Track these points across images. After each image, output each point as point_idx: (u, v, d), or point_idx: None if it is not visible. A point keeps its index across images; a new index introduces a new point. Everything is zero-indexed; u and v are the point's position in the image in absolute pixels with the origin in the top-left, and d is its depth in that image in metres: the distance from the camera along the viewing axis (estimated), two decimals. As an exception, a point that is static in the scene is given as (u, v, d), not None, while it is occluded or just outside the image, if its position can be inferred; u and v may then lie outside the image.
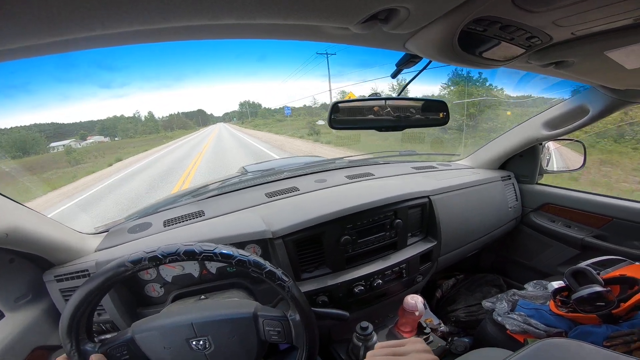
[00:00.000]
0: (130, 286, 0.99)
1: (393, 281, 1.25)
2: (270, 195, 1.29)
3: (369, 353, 0.62)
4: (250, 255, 0.70)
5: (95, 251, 1.01)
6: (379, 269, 1.19)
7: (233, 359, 0.73)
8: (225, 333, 0.71)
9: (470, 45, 0.60)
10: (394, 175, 1.55)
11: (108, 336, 0.74)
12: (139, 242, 1.03)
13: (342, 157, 1.78)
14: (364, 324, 1.13)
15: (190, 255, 0.65)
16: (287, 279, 0.72)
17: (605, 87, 1.10)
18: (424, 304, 1.30)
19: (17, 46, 0.36)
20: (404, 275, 1.27)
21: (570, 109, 1.33)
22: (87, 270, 0.92)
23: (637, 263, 1.14)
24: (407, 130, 0.98)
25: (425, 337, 1.31)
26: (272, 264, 0.72)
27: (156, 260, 0.63)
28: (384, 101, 0.90)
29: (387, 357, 0.59)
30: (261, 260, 0.70)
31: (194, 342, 0.69)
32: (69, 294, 0.92)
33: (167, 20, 0.38)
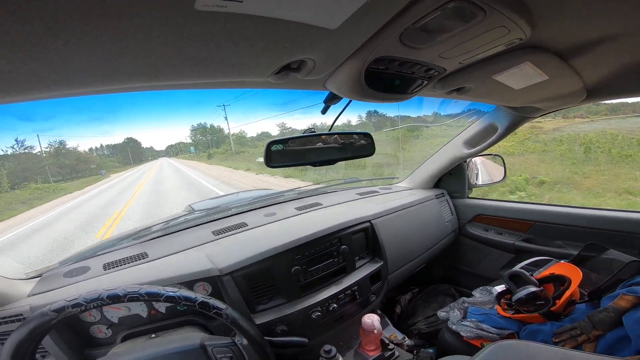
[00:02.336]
0: (74, 329, 0.93)
1: (348, 304, 1.29)
2: (217, 232, 1.29)
3: None
4: (179, 290, 0.70)
5: (29, 296, 0.94)
6: (333, 293, 1.23)
7: None
8: None
9: (376, 83, 0.68)
10: (341, 203, 1.62)
11: None
12: (77, 286, 0.98)
13: (292, 189, 1.83)
14: (327, 347, 1.14)
15: (114, 298, 0.65)
16: (222, 306, 0.72)
17: (505, 106, 1.26)
18: (384, 321, 1.34)
19: None
20: (357, 297, 1.32)
21: (483, 127, 1.50)
22: (22, 314, 0.86)
23: (562, 261, 1.25)
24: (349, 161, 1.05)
25: (390, 352, 1.34)
26: (205, 296, 0.72)
27: (79, 306, 0.63)
28: (315, 137, 0.96)
29: None
30: (191, 294, 0.71)
31: None
32: (3, 340, 0.85)
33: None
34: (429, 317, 1.73)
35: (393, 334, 1.49)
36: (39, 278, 1.06)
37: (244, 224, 1.36)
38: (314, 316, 1.17)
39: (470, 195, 1.90)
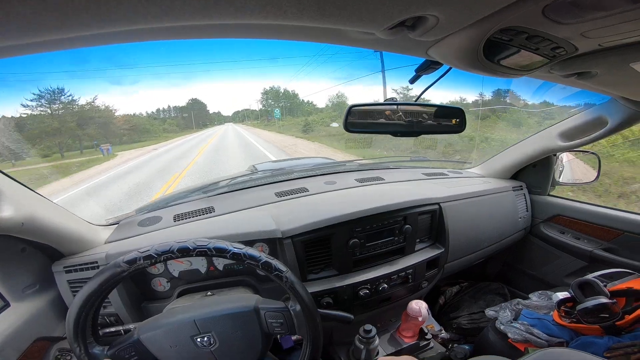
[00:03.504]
0: (137, 280, 1.00)
1: (398, 286, 1.25)
2: (279, 194, 1.29)
3: None
4: (245, 248, 0.70)
5: (105, 243, 1.02)
6: (385, 273, 1.19)
7: (238, 354, 0.74)
8: (228, 328, 0.72)
9: (494, 54, 0.59)
10: (405, 181, 1.55)
11: (112, 329, 0.75)
12: (149, 235, 1.03)
13: (353, 160, 1.78)
14: (368, 327, 1.13)
15: (184, 252, 0.65)
16: (284, 269, 0.72)
17: (626, 98, 1.08)
18: (427, 310, 1.30)
19: (15, 43, 0.37)
20: (410, 281, 1.27)
21: (588, 120, 1.31)
22: (97, 262, 0.92)
23: None
24: (420, 136, 0.97)
25: (426, 342, 1.31)
26: (268, 256, 0.71)
27: (150, 259, 0.64)
28: (399, 106, 0.89)
29: None
30: (256, 252, 0.70)
31: (198, 339, 0.70)
32: (76, 285, 0.93)
33: (193, 18, 0.38)
34: (473, 314, 1.67)
35: (431, 324, 1.45)
36: (117, 225, 1.14)
37: (305, 189, 1.34)
38: (361, 293, 1.15)
39: (551, 193, 1.70)
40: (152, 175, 8.99)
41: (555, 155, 1.59)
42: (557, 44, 0.57)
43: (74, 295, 0.93)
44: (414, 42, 0.57)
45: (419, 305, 1.25)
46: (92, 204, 6.25)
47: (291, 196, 1.29)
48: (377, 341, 1.15)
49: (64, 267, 0.92)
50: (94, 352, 0.67)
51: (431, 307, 1.63)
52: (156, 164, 11.51)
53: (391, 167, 1.77)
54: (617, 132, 1.26)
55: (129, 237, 1.03)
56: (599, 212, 1.47)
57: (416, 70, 0.80)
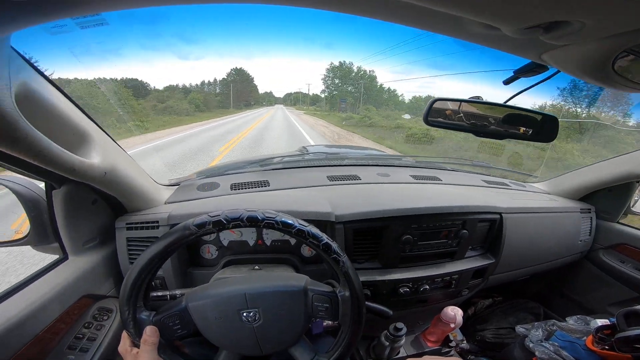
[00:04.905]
0: (189, 245, 1.00)
1: (439, 289, 1.22)
2: (332, 178, 1.28)
3: None
4: (309, 226, 0.68)
5: (165, 203, 1.04)
6: (430, 274, 1.15)
7: (279, 333, 0.72)
8: (275, 305, 0.70)
9: (627, 67, 0.53)
10: (464, 185, 1.48)
11: (159, 294, 0.76)
12: (207, 200, 1.05)
13: (408, 156, 1.73)
14: (400, 325, 1.12)
15: (253, 221, 0.64)
16: (342, 254, 0.70)
17: None
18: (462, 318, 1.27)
19: None
20: (452, 286, 1.23)
21: None
22: (158, 222, 0.94)
23: None
24: (486, 140, 0.91)
25: (448, 350, 1.30)
26: (329, 238, 0.70)
27: (220, 224, 0.62)
28: (487, 106, 0.84)
29: None
30: (319, 232, 0.68)
31: (244, 314, 0.68)
32: (134, 244, 0.94)
33: None
34: (501, 329, 1.64)
35: (455, 332, 1.41)
36: (178, 187, 1.16)
37: (357, 177, 1.32)
38: (401, 290, 1.12)
39: (620, 221, 1.57)
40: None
41: (638, 182, 1.45)
42: None
43: (130, 254, 0.94)
44: (535, 45, 0.52)
45: (454, 312, 1.22)
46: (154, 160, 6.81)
47: (343, 182, 1.27)
48: (403, 340, 1.14)
49: (127, 224, 0.93)
50: (140, 317, 0.66)
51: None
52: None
53: (448, 168, 1.71)
54: None
55: (189, 200, 1.05)
56: None
57: (515, 72, 0.74)
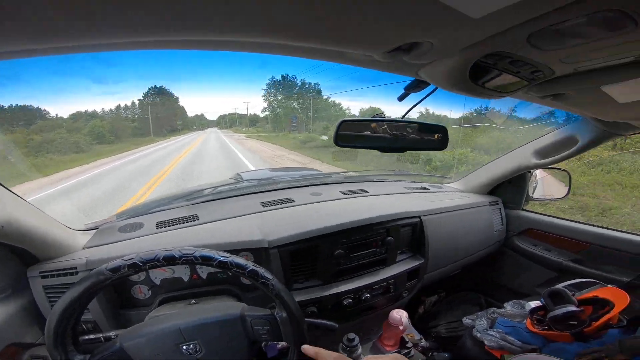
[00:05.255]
0: (117, 287, 0.97)
1: (380, 296, 1.28)
2: (265, 204, 1.29)
3: None
4: (231, 257, 0.70)
5: (84, 248, 0.98)
6: (368, 283, 1.21)
7: None
8: (214, 336, 0.72)
9: (479, 76, 0.63)
10: (388, 194, 1.58)
11: (92, 337, 0.73)
12: (130, 242, 1.01)
13: (338, 172, 1.81)
14: (351, 335, 1.14)
15: (169, 260, 0.65)
16: (270, 277, 0.72)
17: (596, 119, 1.16)
18: (408, 319, 1.33)
19: (18, 49, 0.37)
20: (391, 291, 1.30)
21: (561, 139, 1.39)
22: (76, 268, 0.89)
23: (609, 286, 1.20)
24: (404, 152, 1.01)
25: (406, 351, 1.33)
26: (254, 264, 0.72)
27: (135, 267, 0.63)
28: (387, 123, 0.91)
29: None
30: (242, 261, 0.70)
31: (184, 347, 0.69)
32: (52, 292, 0.89)
33: (198, 33, 0.39)
34: (451, 323, 1.72)
35: (411, 333, 1.48)
36: (96, 230, 1.10)
37: (291, 200, 1.35)
38: (345, 302, 1.16)
39: (525, 208, 1.79)
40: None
41: (529, 172, 1.68)
42: (537, 68, 0.61)
43: (50, 301, 0.90)
44: (407, 64, 0.60)
45: (399, 315, 1.27)
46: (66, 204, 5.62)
47: (277, 206, 1.29)
48: (359, 349, 1.17)
49: (40, 273, 0.88)
50: None
51: (411, 316, 1.66)
52: None
53: (375, 180, 1.81)
54: (587, 151, 1.35)
55: (109, 243, 1.00)
56: (568, 225, 1.57)
57: (405, 89, 0.84)
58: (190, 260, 0.66)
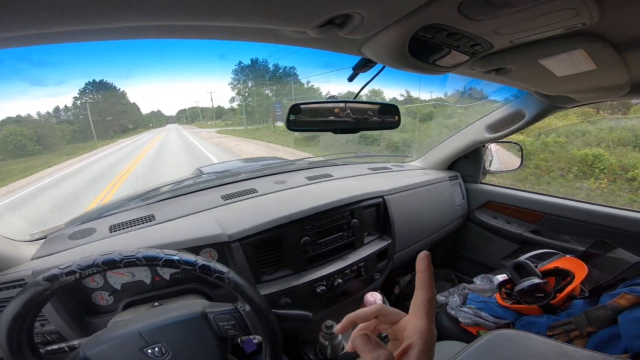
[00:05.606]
0: (75, 295, 0.92)
1: (352, 280, 1.28)
2: (226, 197, 1.26)
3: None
4: (178, 254, 0.67)
5: (32, 259, 0.92)
6: (339, 268, 1.21)
7: None
8: (178, 337, 0.70)
9: (419, 52, 0.63)
10: (352, 176, 1.59)
11: (55, 347, 0.70)
12: (81, 249, 0.95)
13: (302, 159, 1.79)
14: (329, 322, 1.15)
15: (110, 264, 0.62)
16: (225, 270, 0.70)
17: (539, 93, 1.22)
18: (383, 301, 1.35)
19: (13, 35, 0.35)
20: (363, 274, 1.31)
21: (509, 114, 1.46)
22: (24, 279, 0.84)
23: (567, 255, 1.26)
24: (363, 133, 1.01)
25: (386, 334, 1.35)
26: (205, 259, 0.69)
27: (74, 274, 0.60)
28: (341, 104, 0.91)
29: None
30: (191, 257, 0.68)
31: (149, 351, 0.68)
32: (2, 305, 0.84)
33: (123, 19, 0.37)
34: None
35: None
36: (44, 240, 1.03)
37: (253, 190, 1.32)
38: (318, 290, 1.16)
39: (483, 181, 1.86)
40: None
41: (484, 146, 1.75)
42: (475, 41, 0.62)
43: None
44: (346, 40, 0.59)
45: (374, 297, 1.29)
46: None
47: (239, 198, 1.26)
48: (339, 336, 1.17)
49: None
50: None
51: (388, 297, 1.69)
52: None
53: (339, 163, 1.81)
54: (534, 124, 1.42)
55: (59, 252, 0.94)
56: (524, 196, 1.64)
57: (353, 68, 0.83)
58: (132, 262, 0.63)
